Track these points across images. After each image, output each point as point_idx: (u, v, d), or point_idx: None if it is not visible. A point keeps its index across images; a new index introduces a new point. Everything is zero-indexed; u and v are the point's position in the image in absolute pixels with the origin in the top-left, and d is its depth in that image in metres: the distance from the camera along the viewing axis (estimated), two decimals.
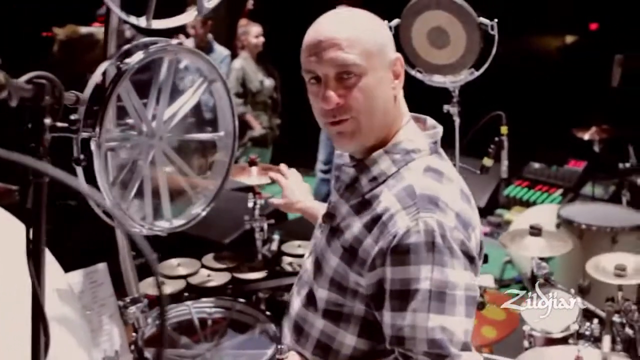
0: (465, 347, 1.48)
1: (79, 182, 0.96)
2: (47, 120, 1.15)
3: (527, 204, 6.33)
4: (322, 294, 1.64)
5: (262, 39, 6.14)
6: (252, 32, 6.12)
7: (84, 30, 5.59)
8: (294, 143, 6.73)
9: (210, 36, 6.20)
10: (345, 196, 1.67)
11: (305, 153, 6.67)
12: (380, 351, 1.61)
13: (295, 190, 2.32)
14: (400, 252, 1.47)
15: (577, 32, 7.76)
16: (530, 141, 6.55)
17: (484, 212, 6.37)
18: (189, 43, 6.01)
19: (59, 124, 1.16)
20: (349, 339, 1.63)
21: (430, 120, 1.72)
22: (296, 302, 1.76)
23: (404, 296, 1.47)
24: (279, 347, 1.74)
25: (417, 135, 1.64)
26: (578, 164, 6.52)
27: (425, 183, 1.53)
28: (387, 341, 1.53)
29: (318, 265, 1.68)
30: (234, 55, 6.32)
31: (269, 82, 6.22)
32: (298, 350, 1.73)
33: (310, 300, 1.69)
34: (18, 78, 1.14)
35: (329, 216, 1.71)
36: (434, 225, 1.46)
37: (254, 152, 6.17)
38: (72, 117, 1.16)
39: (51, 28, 5.75)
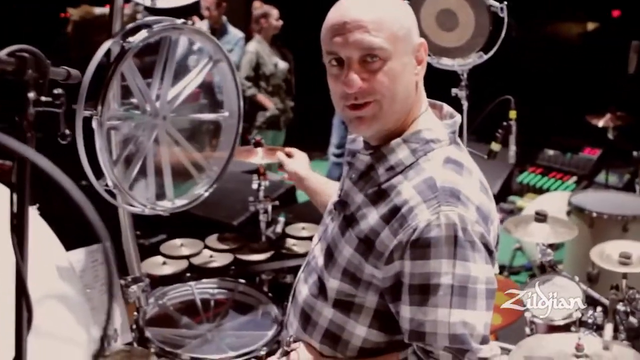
0: (484, 340, 1.47)
1: (58, 174, 0.95)
2: (31, 95, 1.14)
3: (541, 191, 6.27)
4: (334, 284, 1.60)
5: (281, 22, 6.12)
6: (274, 15, 6.09)
7: (98, 11, 5.60)
8: (308, 126, 6.72)
9: (224, 18, 6.18)
10: (359, 184, 1.62)
11: (318, 136, 6.67)
12: (393, 343, 1.59)
13: (297, 166, 2.29)
14: (420, 246, 1.44)
15: (599, 19, 7.65)
16: (545, 128, 6.49)
17: (497, 199, 6.27)
18: (203, 25, 5.99)
19: (43, 99, 1.14)
20: (359, 330, 1.59)
21: (446, 107, 1.67)
22: (304, 290, 1.72)
23: (424, 291, 1.45)
24: (287, 339, 1.72)
25: (436, 124, 1.60)
26: (593, 151, 6.44)
27: (446, 175, 1.49)
28: (405, 335, 1.51)
29: (329, 255, 1.64)
30: (248, 38, 6.30)
31: (283, 65, 6.20)
32: (305, 339, 1.69)
33: (319, 288, 1.65)
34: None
35: (342, 204, 1.66)
36: (455, 219, 1.43)
37: (267, 135, 6.18)
38: (56, 91, 1.14)
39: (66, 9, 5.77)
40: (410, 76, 1.54)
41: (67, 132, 1.22)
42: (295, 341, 1.71)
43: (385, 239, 1.49)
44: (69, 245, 2.29)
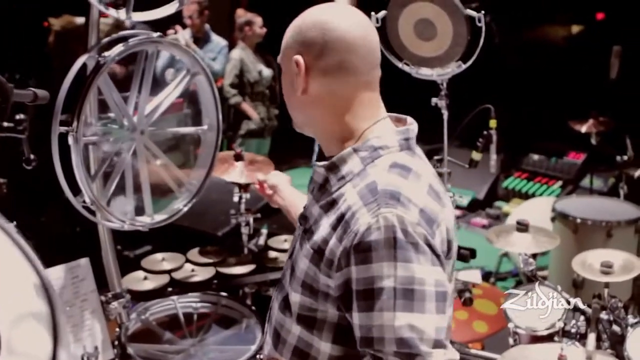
0: (437, 345, 1.42)
1: None
2: None
3: (527, 196, 6.29)
4: (296, 297, 1.59)
5: (265, 29, 6.12)
6: (258, 22, 6.09)
7: (79, 20, 5.56)
8: (292, 134, 6.68)
9: (207, 26, 6.16)
10: (316, 196, 1.63)
11: (303, 144, 6.63)
12: (358, 356, 1.55)
13: (279, 180, 2.28)
14: (362, 250, 1.43)
15: (583, 22, 7.66)
16: (530, 132, 6.51)
17: (483, 205, 6.34)
18: (186, 34, 5.97)
19: (5, 124, 1.12)
20: (323, 346, 1.57)
21: (410, 119, 1.67)
22: (275, 307, 1.71)
23: (369, 296, 1.43)
24: (258, 357, 1.70)
25: (386, 132, 1.59)
26: (577, 156, 6.46)
27: (388, 179, 1.49)
28: (358, 343, 1.48)
29: (292, 269, 1.63)
30: (232, 46, 6.28)
31: (267, 73, 6.19)
32: (276, 358, 1.67)
33: (286, 305, 1.64)
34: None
35: (304, 218, 1.67)
36: (394, 220, 1.42)
37: (251, 143, 6.16)
38: (18, 117, 1.12)
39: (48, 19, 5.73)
40: (293, 93, 1.63)
41: (32, 157, 1.20)
42: (268, 359, 1.70)
43: (333, 246, 1.48)
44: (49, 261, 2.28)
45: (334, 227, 1.50)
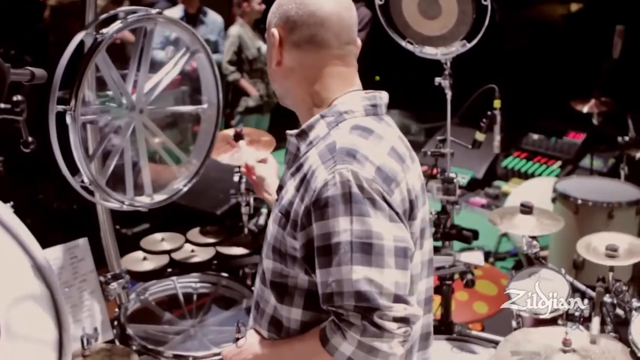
0: (398, 300, 1.44)
1: None
2: None
3: (526, 176, 6.24)
4: (268, 264, 1.63)
5: (263, 6, 6.03)
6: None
7: None
8: (292, 112, 6.64)
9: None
10: (289, 165, 1.67)
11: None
12: (326, 319, 1.56)
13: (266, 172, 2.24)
14: (320, 207, 1.46)
15: (584, 1, 7.59)
16: (530, 112, 6.45)
17: (482, 184, 6.30)
18: (176, 12, 5.80)
19: (2, 106, 1.08)
20: (294, 313, 1.59)
21: (381, 92, 1.69)
22: (257, 279, 1.75)
23: (327, 251, 1.45)
24: (238, 325, 1.71)
25: (353, 98, 1.63)
26: (577, 135, 6.41)
27: (348, 139, 1.53)
28: (321, 302, 1.49)
29: (265, 237, 1.67)
30: (230, 22, 6.19)
31: (266, 49, 6.11)
32: (257, 329, 1.70)
33: (263, 275, 1.67)
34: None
35: (280, 188, 1.70)
36: (348, 175, 1.45)
37: (250, 119, 6.11)
38: (15, 98, 1.08)
39: None
40: (271, 62, 1.68)
41: (31, 139, 1.16)
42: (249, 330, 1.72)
43: (297, 206, 1.52)
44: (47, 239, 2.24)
45: (297, 189, 1.55)
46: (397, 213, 1.49)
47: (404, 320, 1.45)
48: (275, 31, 1.64)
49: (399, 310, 1.44)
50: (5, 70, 1.11)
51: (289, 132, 1.69)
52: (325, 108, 1.62)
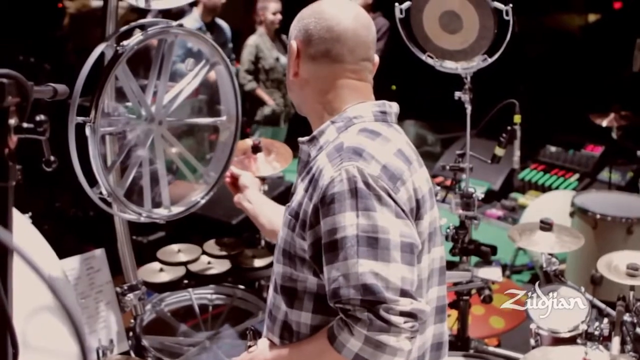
0: (404, 294, 1.44)
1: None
2: (12, 121, 1.07)
3: (543, 189, 6.20)
4: (278, 268, 1.64)
5: (279, 17, 6.01)
6: (270, 9, 5.99)
7: (94, 3, 5.50)
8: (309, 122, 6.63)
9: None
10: (300, 171, 1.69)
11: None
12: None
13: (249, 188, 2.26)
14: (327, 203, 1.48)
15: (600, 10, 7.54)
16: (547, 124, 6.41)
17: (498, 196, 6.26)
18: (194, 18, 5.73)
19: (25, 125, 1.07)
20: (304, 317, 1.59)
21: (392, 103, 1.72)
22: (270, 288, 1.75)
23: (333, 246, 1.46)
24: (250, 331, 1.71)
25: (364, 107, 1.65)
26: (595, 148, 6.34)
27: (355, 139, 1.56)
28: (327, 298, 1.49)
29: (277, 242, 1.69)
30: (251, 31, 6.18)
31: (284, 60, 6.11)
32: (269, 337, 1.70)
33: (275, 281, 1.69)
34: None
35: (291, 195, 1.71)
36: (354, 172, 1.47)
37: (267, 131, 6.10)
38: (38, 118, 1.07)
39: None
40: (290, 72, 1.72)
41: (53, 158, 1.15)
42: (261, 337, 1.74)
43: (306, 206, 1.54)
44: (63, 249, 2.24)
45: (307, 189, 1.57)
46: (403, 210, 1.51)
47: (411, 315, 1.45)
48: (294, 43, 1.68)
49: (405, 304, 1.44)
50: (28, 88, 1.10)
51: (300, 139, 1.71)
52: (337, 116, 1.65)
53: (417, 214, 1.56)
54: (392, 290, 1.43)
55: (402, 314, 1.43)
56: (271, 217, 2.10)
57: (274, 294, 1.68)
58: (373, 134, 1.58)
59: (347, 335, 1.46)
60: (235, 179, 2.31)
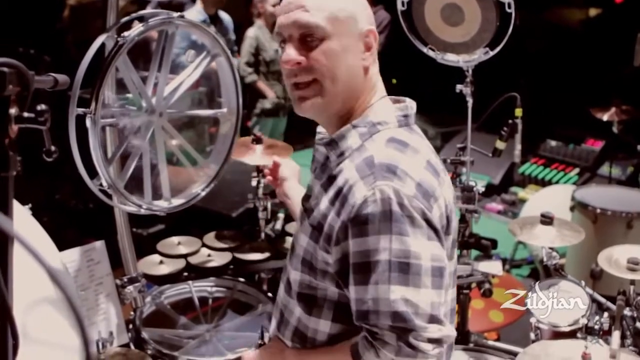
0: (433, 320, 1.43)
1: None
2: (12, 111, 1.06)
3: (543, 183, 6.21)
4: (295, 275, 1.61)
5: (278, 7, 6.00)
6: (270, 0, 5.98)
7: None
8: None
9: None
10: (318, 175, 1.64)
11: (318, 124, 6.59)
12: (355, 332, 1.55)
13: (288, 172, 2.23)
14: (359, 223, 1.44)
15: (600, 4, 7.52)
16: (548, 118, 6.41)
17: (498, 190, 6.27)
18: (197, 11, 5.75)
19: (26, 114, 1.07)
20: (322, 325, 1.58)
21: (409, 101, 1.67)
22: (280, 290, 1.73)
23: (365, 269, 1.44)
24: (262, 330, 1.70)
25: (385, 109, 1.60)
26: (596, 143, 6.35)
27: (385, 153, 1.50)
28: (354, 318, 1.48)
29: (293, 248, 1.66)
30: (248, 23, 6.17)
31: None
32: (280, 338, 1.69)
33: (289, 285, 1.66)
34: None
35: (306, 198, 1.68)
36: (390, 192, 1.42)
37: (267, 123, 6.09)
38: (39, 107, 1.07)
39: None
40: (354, 60, 1.57)
41: (53, 148, 1.14)
42: (271, 339, 1.73)
43: (332, 221, 1.50)
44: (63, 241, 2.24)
45: (332, 202, 1.52)
46: (435, 230, 1.47)
47: (438, 341, 1.44)
48: (371, 30, 1.60)
49: (434, 331, 1.43)
50: (29, 78, 1.09)
51: (317, 141, 1.67)
52: (358, 116, 1.59)
53: (446, 229, 1.54)
54: (421, 317, 1.42)
55: (430, 340, 1.43)
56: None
57: (287, 298, 1.65)
58: (402, 144, 1.52)
59: (372, 357, 1.46)
60: (276, 168, 2.24)
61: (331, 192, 1.53)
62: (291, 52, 1.54)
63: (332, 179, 1.55)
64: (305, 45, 1.54)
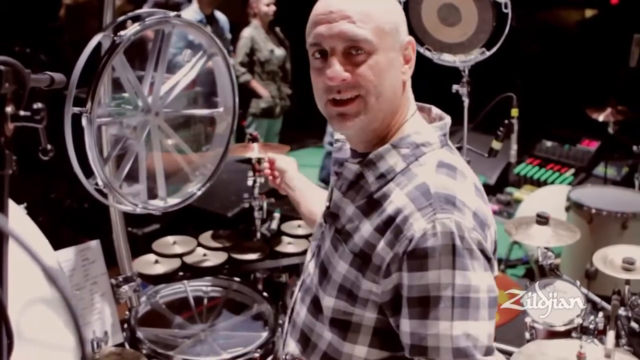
0: (488, 352, 1.41)
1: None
2: (9, 109, 1.06)
3: (538, 183, 6.22)
4: (329, 302, 1.53)
5: (273, 8, 6.01)
6: (264, 0, 5.99)
7: None
8: (305, 114, 6.64)
9: None
10: (349, 195, 1.55)
11: (315, 124, 6.57)
12: (395, 359, 1.52)
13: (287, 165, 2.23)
14: (417, 257, 1.37)
15: (597, 6, 7.54)
16: (543, 119, 6.42)
17: (494, 190, 6.28)
18: (194, 10, 5.75)
19: (22, 113, 1.06)
20: (358, 350, 1.52)
21: (435, 110, 1.61)
22: (302, 311, 1.65)
23: (424, 303, 1.38)
24: (284, 357, 1.66)
25: (425, 127, 1.53)
26: (591, 143, 6.36)
27: (439, 180, 1.42)
28: (406, 350, 1.44)
29: (324, 271, 1.57)
30: (244, 23, 6.18)
31: (279, 52, 6.10)
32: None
33: (316, 308, 1.58)
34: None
35: (332, 216, 1.59)
36: (452, 226, 1.36)
37: (262, 123, 6.09)
38: (36, 105, 1.06)
39: None
40: (396, 73, 1.49)
41: (50, 147, 1.14)
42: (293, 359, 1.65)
43: (382, 251, 1.42)
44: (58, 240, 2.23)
45: (381, 231, 1.44)
46: (489, 260, 1.44)
47: None
48: (410, 41, 1.52)
49: None
50: (25, 76, 1.09)
51: (336, 150, 1.62)
52: (392, 134, 1.52)
53: (494, 255, 1.51)
54: (480, 350, 1.39)
55: None
56: (312, 207, 2.04)
57: (313, 321, 1.59)
58: (451, 169, 1.45)
59: None
60: (272, 165, 2.21)
61: (377, 219, 1.45)
62: (337, 68, 1.43)
63: (374, 203, 1.48)
64: (350, 59, 1.44)
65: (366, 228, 1.47)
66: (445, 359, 1.38)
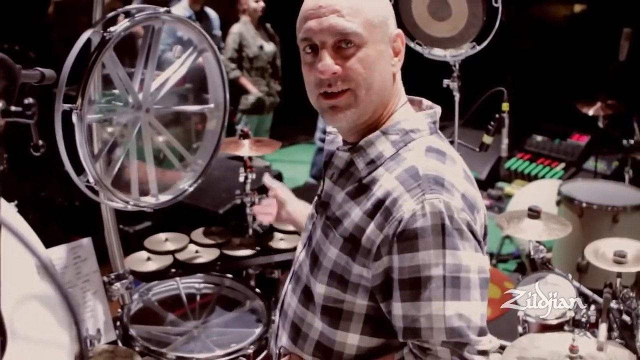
0: (482, 332, 1.41)
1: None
2: (0, 104, 1.05)
3: (529, 178, 6.22)
4: (320, 289, 1.53)
5: (262, 4, 6.00)
6: None
7: None
8: (295, 110, 6.64)
9: None
10: (340, 182, 1.57)
11: (305, 120, 6.57)
12: (388, 346, 1.52)
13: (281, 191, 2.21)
14: (407, 238, 1.38)
15: (587, 1, 7.57)
16: (534, 113, 6.43)
17: (485, 185, 6.27)
18: (184, 7, 5.75)
19: (13, 108, 1.05)
20: (351, 338, 1.52)
21: (425, 102, 1.62)
22: (293, 302, 1.65)
23: (415, 285, 1.39)
24: (277, 351, 1.65)
25: (414, 115, 1.55)
26: (581, 137, 6.37)
27: (428, 163, 1.44)
28: (399, 334, 1.44)
29: (314, 259, 1.57)
30: (234, 19, 6.17)
31: (269, 48, 6.09)
32: (296, 353, 1.62)
33: (307, 298, 1.59)
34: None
35: (323, 205, 1.60)
36: (441, 206, 1.37)
37: (252, 119, 6.08)
38: (27, 101, 1.06)
39: None
40: (386, 66, 1.50)
41: (41, 143, 1.13)
42: (285, 354, 1.64)
43: (371, 234, 1.43)
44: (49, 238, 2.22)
45: (371, 215, 1.45)
46: (479, 241, 1.44)
47: (487, 353, 1.42)
48: (399, 33, 1.53)
49: (485, 343, 1.41)
50: (16, 71, 1.08)
51: (328, 142, 1.63)
52: (384, 123, 1.53)
53: (484, 238, 1.52)
54: (473, 330, 1.39)
55: (480, 352, 1.41)
56: (303, 214, 2.00)
57: (304, 311, 1.60)
58: (440, 154, 1.47)
59: None
60: (279, 202, 2.17)
61: (366, 203, 1.46)
62: (328, 62, 1.44)
63: (364, 188, 1.49)
64: (340, 52, 1.45)
65: (356, 212, 1.48)
66: (439, 340, 1.39)
